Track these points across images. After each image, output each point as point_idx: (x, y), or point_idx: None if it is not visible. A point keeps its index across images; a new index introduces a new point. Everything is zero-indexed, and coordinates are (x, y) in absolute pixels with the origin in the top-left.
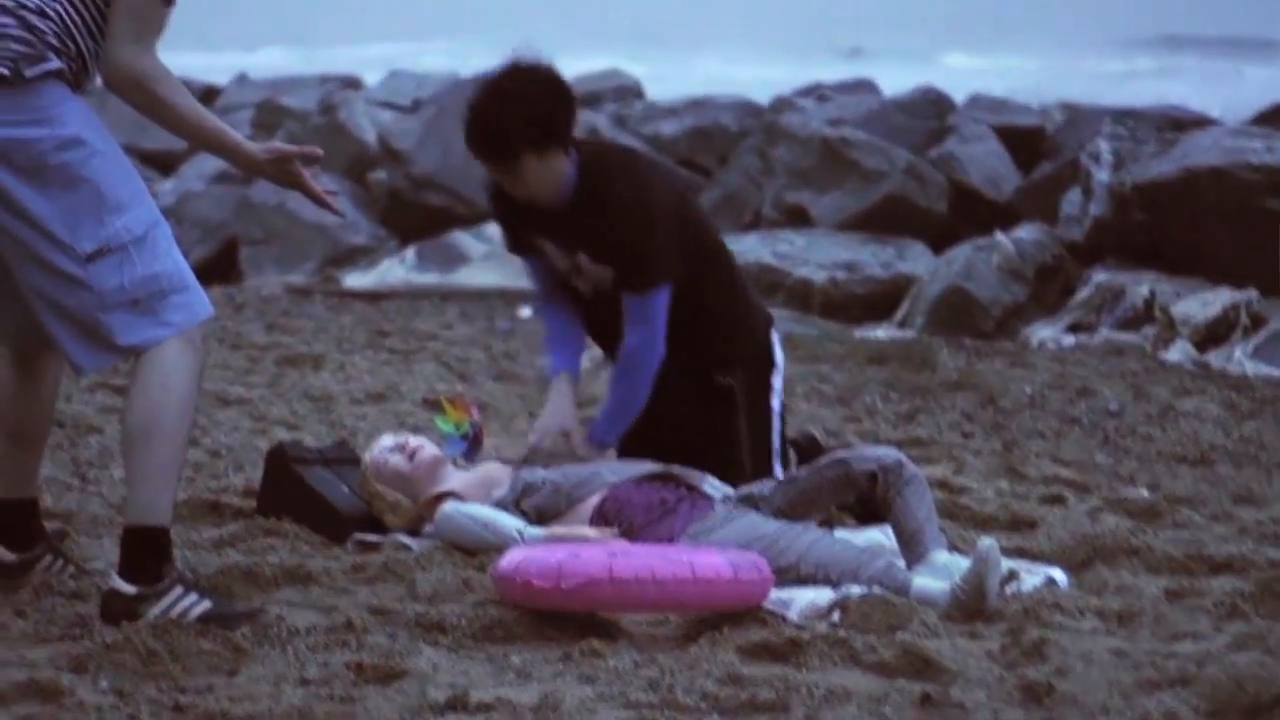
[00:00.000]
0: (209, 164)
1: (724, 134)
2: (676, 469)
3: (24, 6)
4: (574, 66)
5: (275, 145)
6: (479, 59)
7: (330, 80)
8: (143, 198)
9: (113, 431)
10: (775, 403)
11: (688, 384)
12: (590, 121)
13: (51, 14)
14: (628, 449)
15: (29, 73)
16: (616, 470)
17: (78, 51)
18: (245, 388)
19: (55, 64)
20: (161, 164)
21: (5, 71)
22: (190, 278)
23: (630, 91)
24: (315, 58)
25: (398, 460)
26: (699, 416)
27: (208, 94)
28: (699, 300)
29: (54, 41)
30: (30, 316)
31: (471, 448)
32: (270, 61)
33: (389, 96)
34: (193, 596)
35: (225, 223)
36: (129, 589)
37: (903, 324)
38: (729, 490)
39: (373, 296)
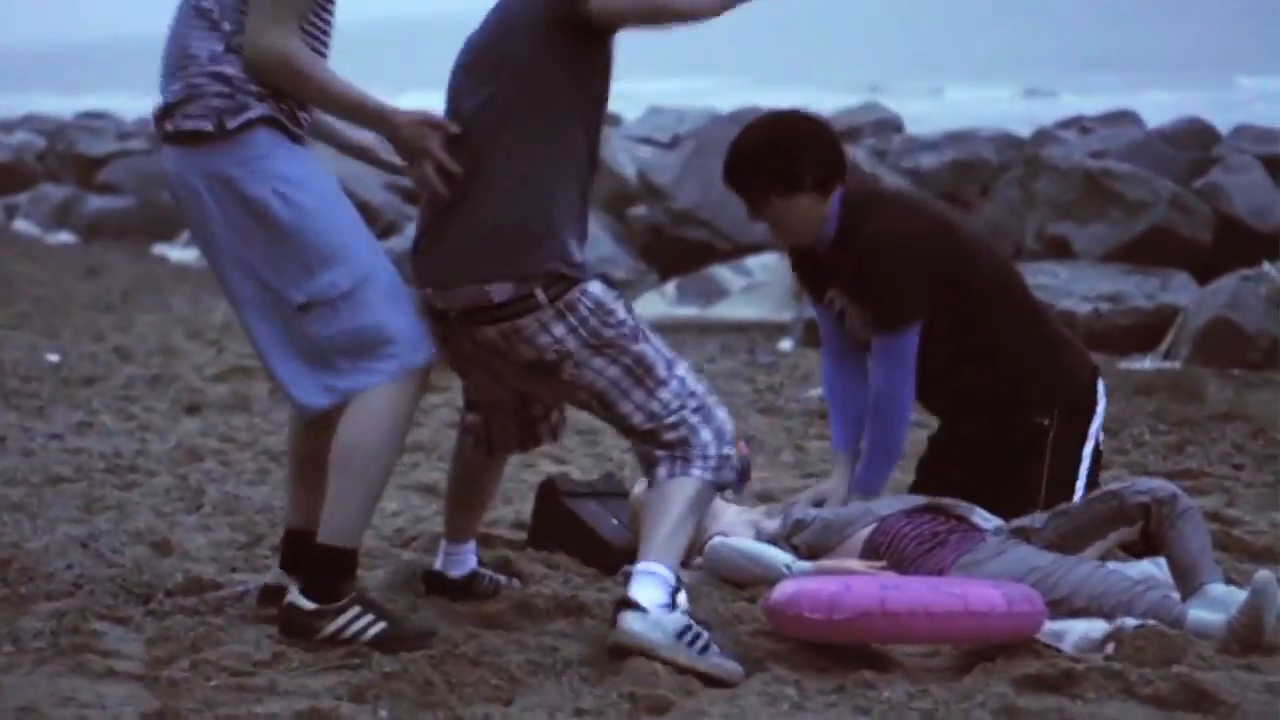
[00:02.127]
0: None
1: (985, 166)
2: (947, 501)
3: (215, 59)
4: (831, 101)
5: (415, 112)
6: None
7: None
8: (353, 250)
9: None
10: (1087, 449)
11: (992, 421)
12: (850, 156)
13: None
14: (923, 485)
15: (232, 124)
16: (887, 504)
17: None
18: None
19: (259, 110)
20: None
21: (209, 127)
22: (401, 329)
23: (890, 125)
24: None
25: None
26: (1002, 455)
27: None
28: (993, 334)
29: (252, 87)
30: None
31: (740, 480)
32: None
33: (648, 133)
34: (369, 617)
35: None
36: (308, 605)
37: (1167, 355)
38: (1000, 522)
39: None
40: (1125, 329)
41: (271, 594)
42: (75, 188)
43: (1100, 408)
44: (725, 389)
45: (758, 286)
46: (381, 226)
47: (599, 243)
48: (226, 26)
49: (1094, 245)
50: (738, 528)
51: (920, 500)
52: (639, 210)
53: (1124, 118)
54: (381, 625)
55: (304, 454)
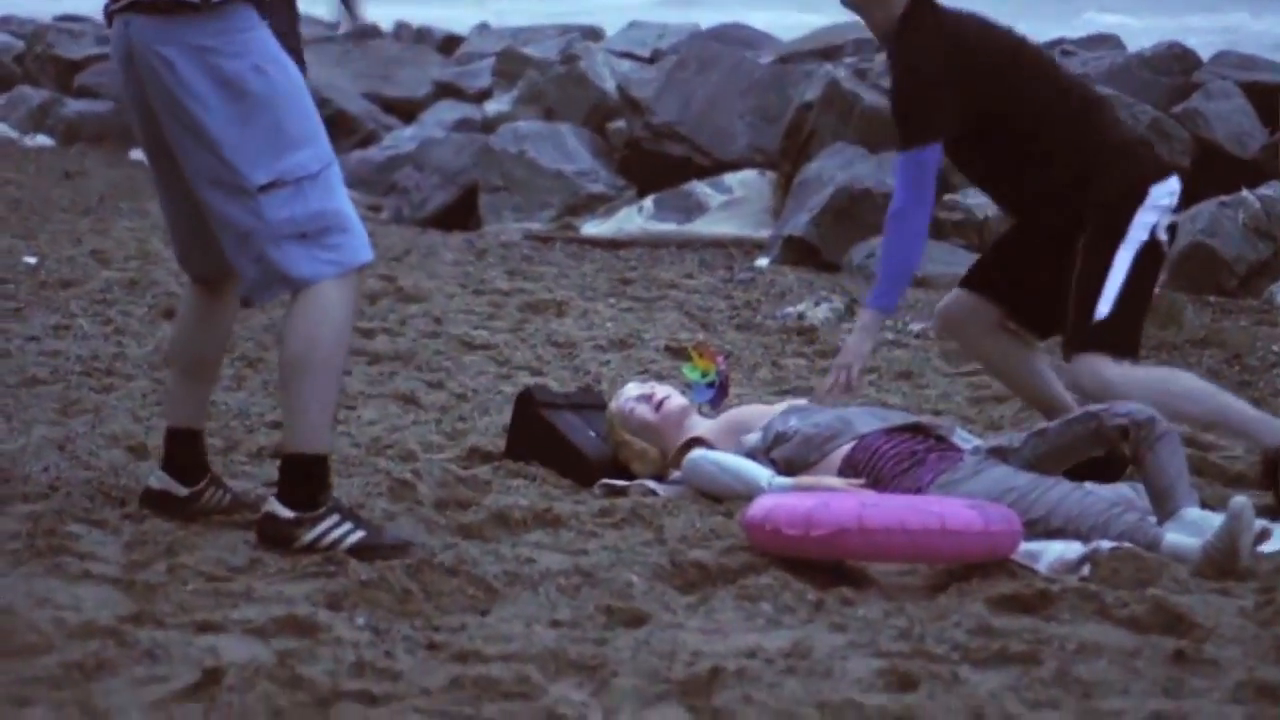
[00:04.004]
0: (449, 112)
1: None
2: (926, 420)
3: None
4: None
5: None
6: (716, 12)
7: (571, 30)
8: (319, 135)
9: (360, 373)
10: (1123, 248)
11: (1054, 218)
12: (831, 74)
13: None
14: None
15: None
16: (866, 421)
17: None
18: (489, 333)
19: None
20: (403, 111)
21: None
22: (355, 221)
23: (870, 43)
24: (554, 9)
25: (644, 409)
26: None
27: (449, 41)
28: (1044, 139)
29: None
30: (213, 246)
31: (718, 395)
32: (511, 8)
33: (629, 47)
34: (348, 525)
35: (465, 169)
36: (286, 513)
37: None
38: (978, 442)
39: (611, 244)
40: None
41: (154, 498)
42: (53, 91)
43: (1157, 201)
44: (703, 304)
45: (736, 203)
46: (361, 136)
47: (577, 156)
48: None
49: None
50: (718, 440)
51: (900, 418)
52: (618, 124)
53: (1105, 41)
54: (360, 533)
55: (193, 348)
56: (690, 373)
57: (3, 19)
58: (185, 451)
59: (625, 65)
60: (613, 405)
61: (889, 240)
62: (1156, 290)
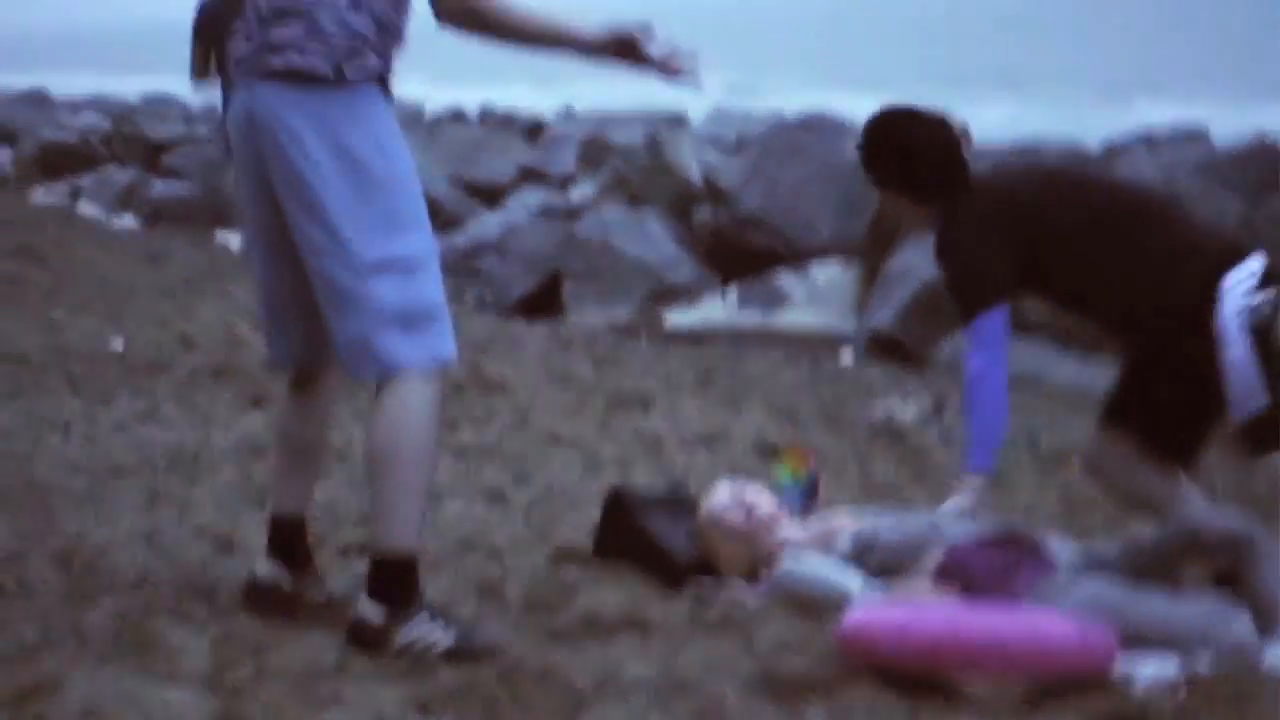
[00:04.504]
0: (533, 196)
1: None
2: (1019, 529)
3: (337, 7)
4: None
5: (614, 27)
6: (797, 96)
7: (655, 117)
8: (428, 224)
9: (446, 467)
10: (1230, 344)
11: (1143, 341)
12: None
13: (364, 7)
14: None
15: (350, 74)
16: (958, 528)
17: (389, 46)
18: (576, 427)
19: (375, 65)
20: (487, 196)
21: (327, 70)
22: (447, 315)
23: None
24: (635, 90)
25: (735, 513)
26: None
27: (534, 128)
28: (1101, 271)
29: (374, 41)
30: (310, 330)
31: (809, 498)
32: (592, 89)
33: (714, 134)
34: (438, 626)
35: (549, 256)
36: (377, 615)
37: None
38: (1073, 552)
39: (695, 337)
40: None
41: (260, 589)
42: (140, 171)
43: (1233, 296)
44: (790, 401)
45: (820, 295)
46: (444, 220)
47: (661, 244)
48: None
49: None
50: (807, 547)
51: (992, 526)
52: (703, 213)
53: (1193, 135)
54: (450, 636)
55: (296, 435)
56: (781, 475)
57: (91, 99)
58: (290, 539)
59: (710, 153)
60: (703, 508)
61: (973, 406)
62: None
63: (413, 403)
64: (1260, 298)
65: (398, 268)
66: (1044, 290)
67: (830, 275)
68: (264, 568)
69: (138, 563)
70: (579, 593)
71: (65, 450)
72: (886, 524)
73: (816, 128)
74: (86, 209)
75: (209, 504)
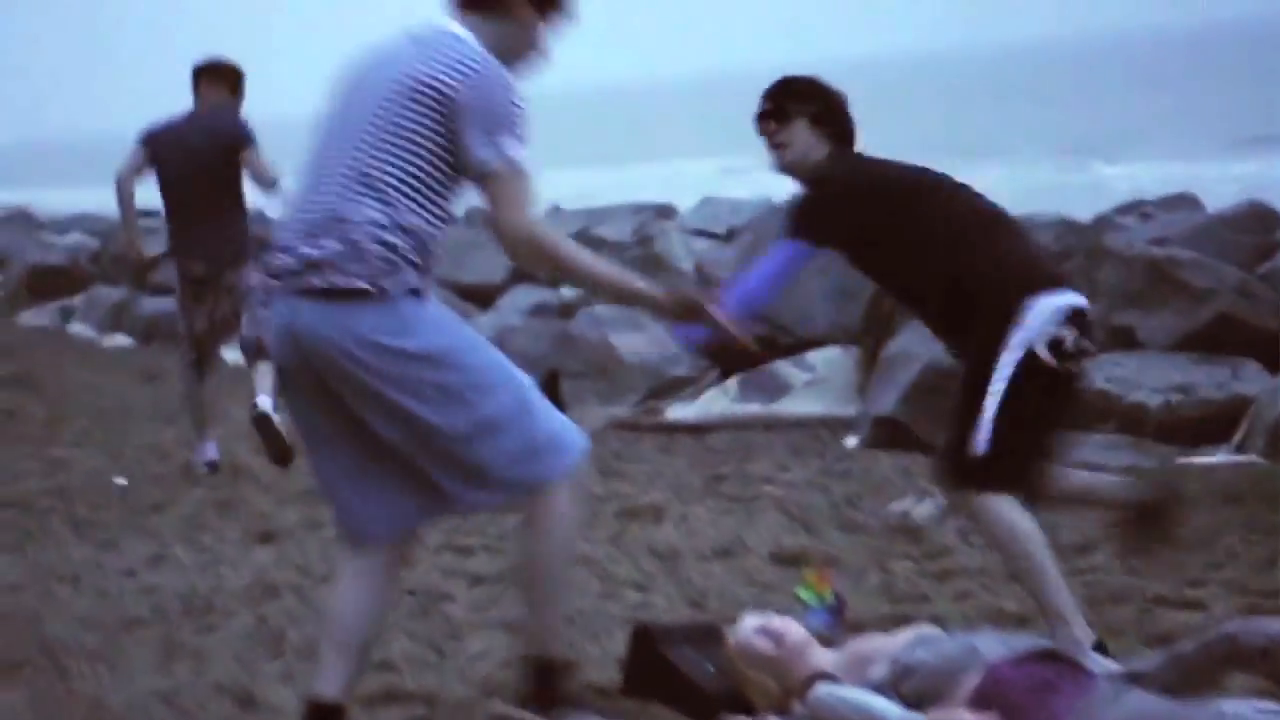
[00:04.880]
0: (525, 297)
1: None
2: (1056, 646)
3: (379, 226)
4: None
5: (677, 291)
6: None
7: (644, 209)
8: (503, 370)
9: (463, 598)
10: (1004, 359)
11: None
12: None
13: (402, 227)
14: None
15: (392, 291)
16: (994, 648)
17: (427, 262)
18: (588, 544)
19: (413, 277)
20: (479, 298)
21: (367, 287)
22: (557, 421)
23: None
24: (622, 179)
25: (764, 642)
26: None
27: None
28: (940, 270)
29: (414, 259)
30: (390, 501)
31: (836, 618)
32: (574, 178)
33: (703, 224)
34: None
35: (545, 356)
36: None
37: (1240, 447)
38: (1112, 666)
39: (697, 429)
40: (1197, 420)
41: None
42: (129, 289)
43: (1029, 326)
44: (802, 502)
45: (821, 381)
46: None
47: (659, 338)
48: (402, 202)
49: (1159, 335)
50: (842, 673)
51: (1029, 644)
52: None
53: (1183, 201)
54: None
55: (351, 623)
56: (805, 595)
57: (78, 217)
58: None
59: (700, 244)
60: (731, 639)
61: (750, 274)
62: (1257, 460)
63: (553, 517)
64: (1058, 332)
65: (498, 425)
66: (878, 271)
67: (830, 358)
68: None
69: None
70: None
71: (75, 604)
72: (923, 649)
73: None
74: (78, 329)
75: (226, 655)
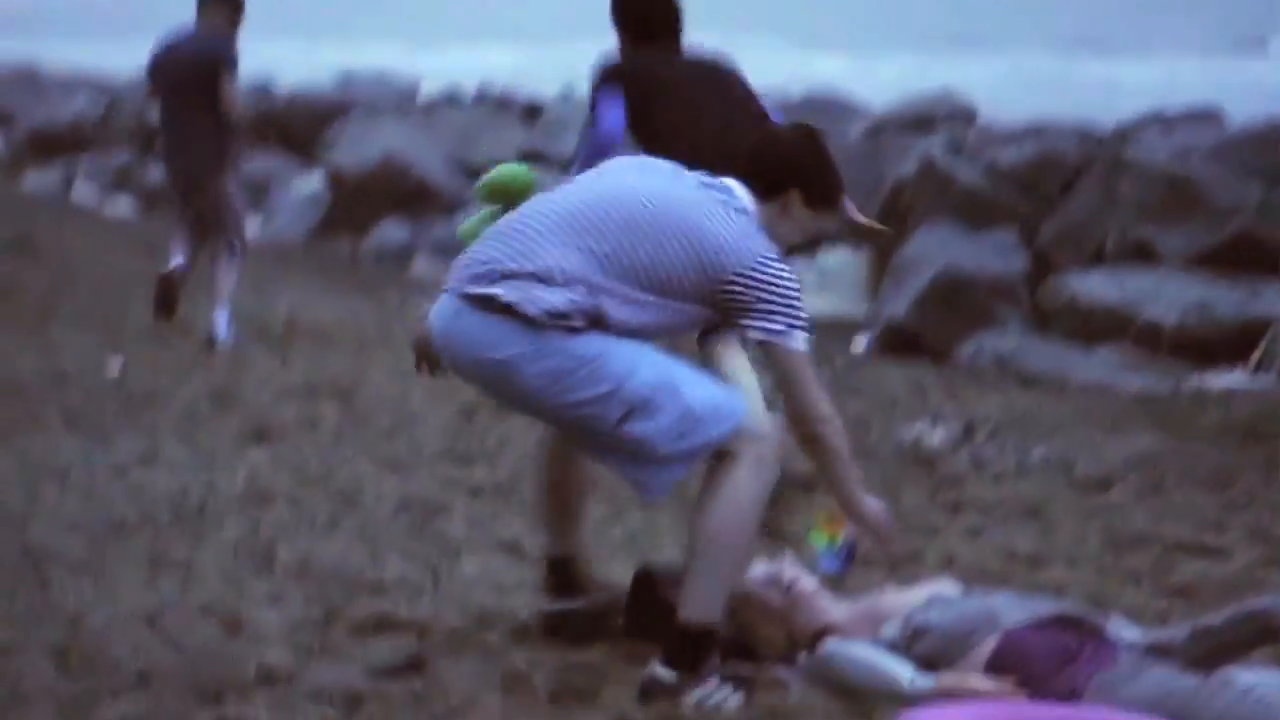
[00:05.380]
0: None
1: (1065, 164)
2: (1079, 611)
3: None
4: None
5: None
6: (775, 56)
7: None
8: (642, 356)
9: (461, 512)
10: None
11: None
12: (924, 149)
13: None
14: None
15: (549, 324)
16: (1014, 612)
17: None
18: None
19: (577, 324)
20: None
21: (533, 313)
22: (714, 389)
23: (963, 115)
24: None
25: (773, 593)
26: None
27: (531, 110)
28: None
29: (588, 313)
30: None
31: (847, 564)
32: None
33: None
34: (728, 690)
35: None
36: (670, 677)
37: (1257, 369)
38: (1135, 635)
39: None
40: (1212, 340)
41: (556, 622)
42: (135, 153)
43: None
44: None
45: (830, 280)
46: (445, 204)
47: None
48: (614, 302)
49: (1179, 249)
50: (852, 628)
51: (1049, 607)
52: None
53: (1206, 114)
54: (739, 697)
55: (556, 481)
56: (816, 539)
57: (85, 78)
58: (567, 578)
59: None
60: (737, 586)
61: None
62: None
63: (734, 488)
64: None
65: (640, 407)
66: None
67: (840, 259)
68: (554, 604)
69: (140, 652)
70: (609, 681)
71: (62, 505)
72: (937, 609)
73: (820, 108)
74: (81, 193)
75: (214, 571)
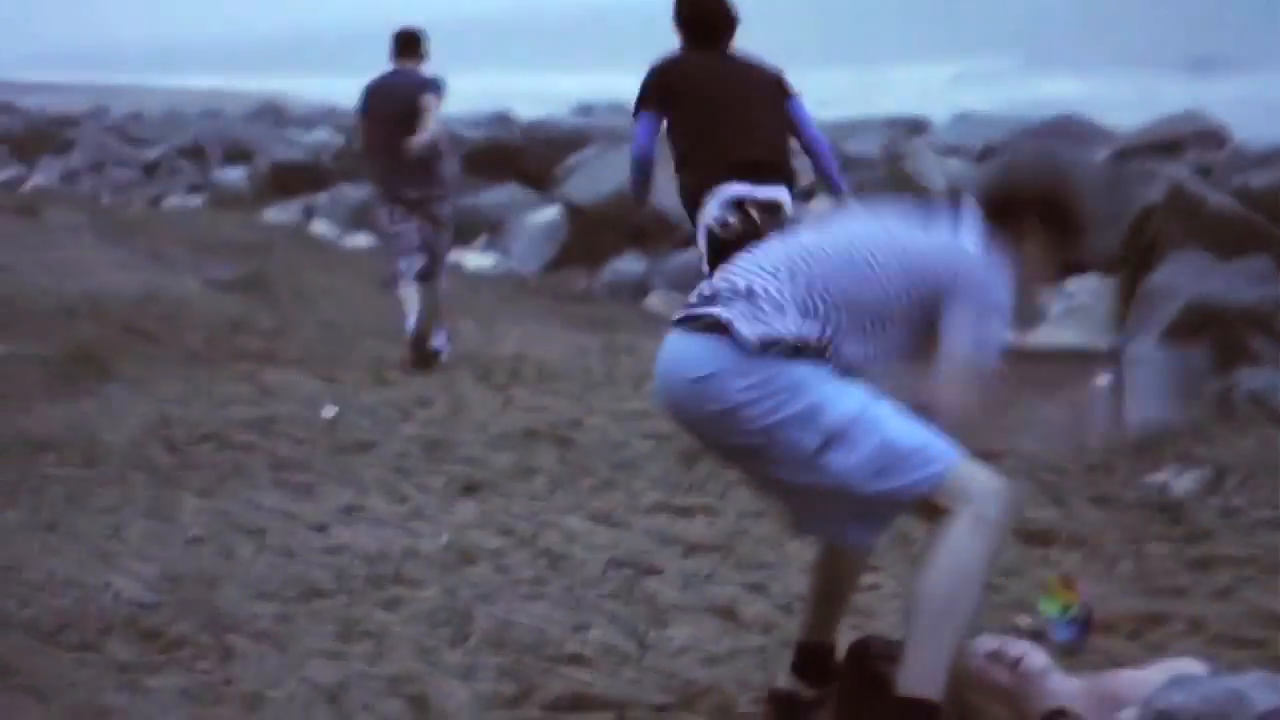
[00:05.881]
0: None
1: None
2: None
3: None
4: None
5: None
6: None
7: (896, 123)
8: (842, 390)
9: (674, 571)
10: (700, 231)
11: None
12: (1173, 173)
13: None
14: None
15: (769, 352)
16: (1266, 693)
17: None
18: None
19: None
20: None
21: (753, 340)
22: (925, 437)
23: (1214, 137)
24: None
25: (998, 671)
26: None
27: None
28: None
29: (793, 348)
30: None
31: (1082, 634)
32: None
33: (957, 142)
34: None
35: None
36: None
37: None
38: None
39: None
40: None
41: (783, 700)
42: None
43: (709, 209)
44: (1053, 468)
45: (1077, 310)
46: (680, 238)
47: None
48: (832, 335)
49: None
50: (1086, 711)
51: None
52: None
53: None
54: None
55: (826, 560)
56: (1048, 607)
57: (326, 111)
58: (817, 665)
59: (953, 163)
60: (962, 662)
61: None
62: None
63: (957, 551)
64: (723, 214)
65: (841, 434)
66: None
67: (1088, 288)
68: (784, 679)
69: None
70: None
71: (255, 565)
72: (1180, 692)
73: (1066, 132)
74: (319, 227)
75: (405, 642)
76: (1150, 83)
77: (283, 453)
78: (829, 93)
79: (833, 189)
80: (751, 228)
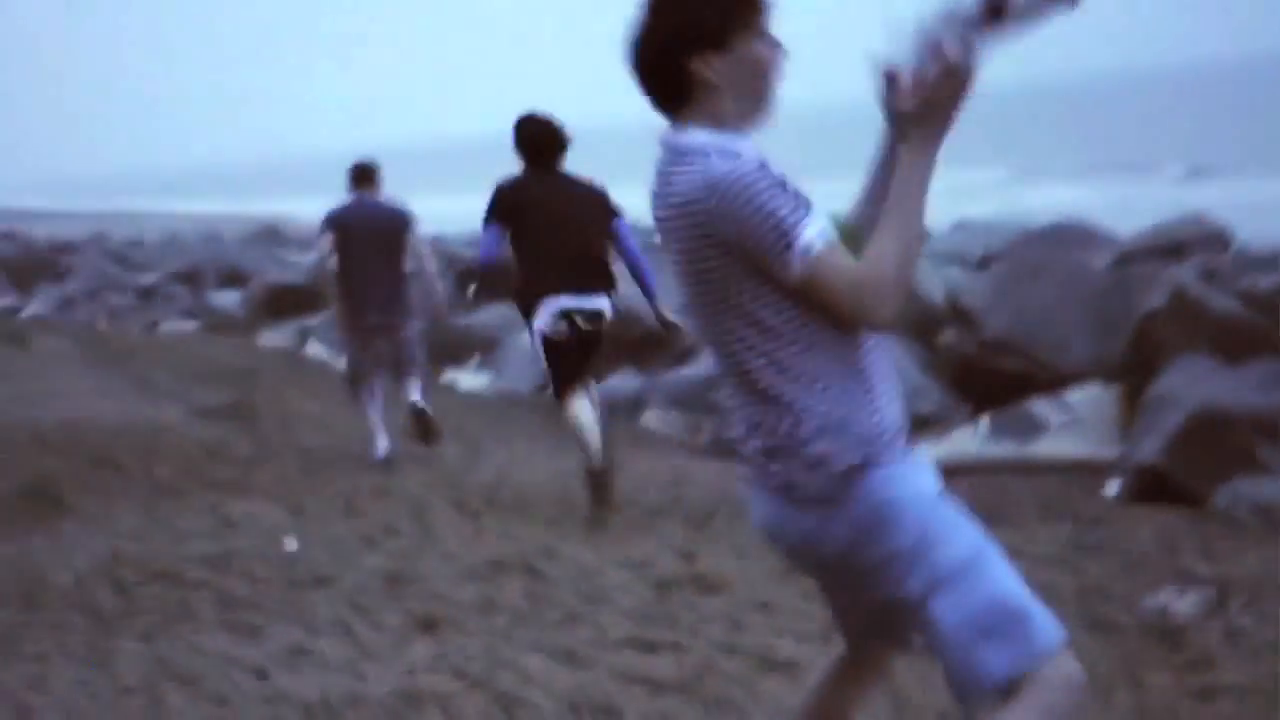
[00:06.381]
0: None
1: None
2: None
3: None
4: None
5: None
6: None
7: None
8: (957, 527)
9: (639, 710)
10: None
11: None
12: (1175, 277)
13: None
14: None
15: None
16: None
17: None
18: (794, 641)
19: (859, 459)
20: None
21: (828, 493)
22: (1033, 602)
23: (1217, 240)
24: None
25: None
26: None
27: None
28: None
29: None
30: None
31: None
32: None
33: (956, 249)
34: None
35: None
36: None
37: None
38: None
39: (943, 473)
40: None
41: None
42: None
43: (541, 316)
44: (1046, 582)
45: (1079, 421)
46: (678, 353)
47: (906, 372)
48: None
49: None
50: None
51: None
52: (947, 336)
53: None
54: None
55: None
56: None
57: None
58: None
59: (953, 271)
60: None
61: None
62: None
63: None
64: (549, 323)
65: (948, 579)
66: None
67: (1090, 398)
68: None
69: None
70: None
71: (184, 717)
72: None
73: (1064, 238)
74: (314, 350)
75: None
76: (1142, 189)
77: (235, 591)
78: (834, 204)
79: (650, 299)
80: (577, 333)
